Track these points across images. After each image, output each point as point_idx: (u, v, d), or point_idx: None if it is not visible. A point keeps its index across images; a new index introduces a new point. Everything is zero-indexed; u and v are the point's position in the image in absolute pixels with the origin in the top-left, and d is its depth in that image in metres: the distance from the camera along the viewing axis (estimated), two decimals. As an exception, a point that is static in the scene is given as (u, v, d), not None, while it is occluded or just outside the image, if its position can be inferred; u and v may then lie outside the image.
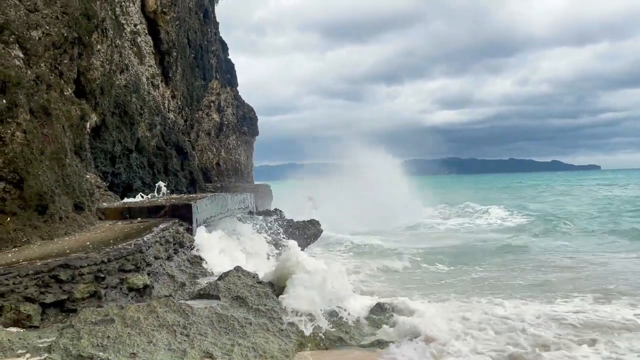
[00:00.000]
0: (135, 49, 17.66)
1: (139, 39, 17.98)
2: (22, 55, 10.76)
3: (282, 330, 8.56)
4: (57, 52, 12.13)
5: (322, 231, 20.70)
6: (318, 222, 21.48)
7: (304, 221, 21.12)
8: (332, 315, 9.48)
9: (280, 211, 22.70)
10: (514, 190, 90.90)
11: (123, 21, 16.69)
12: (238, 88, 41.98)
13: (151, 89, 18.38)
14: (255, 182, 35.48)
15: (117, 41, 15.64)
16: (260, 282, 9.83)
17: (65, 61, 12.47)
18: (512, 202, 52.24)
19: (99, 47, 14.22)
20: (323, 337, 8.85)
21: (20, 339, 7.49)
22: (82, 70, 13.35)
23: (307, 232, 19.64)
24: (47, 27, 11.70)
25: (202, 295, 9.31)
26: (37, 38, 11.40)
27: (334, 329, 9.15)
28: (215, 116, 40.01)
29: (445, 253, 19.62)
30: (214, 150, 40.73)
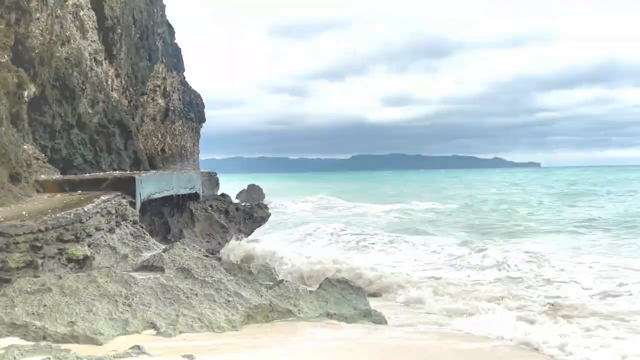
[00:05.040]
0: (77, 22, 16.93)
1: (81, 13, 17.23)
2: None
3: (229, 301, 8.34)
4: (-8, 16, 11.49)
5: (269, 214, 20.42)
6: (266, 205, 21.21)
7: (251, 205, 20.82)
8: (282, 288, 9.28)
9: (227, 195, 22.41)
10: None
11: (65, -8, 15.93)
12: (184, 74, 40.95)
13: (94, 64, 17.69)
14: (202, 170, 34.94)
15: (58, 11, 14.94)
16: (207, 255, 9.56)
17: (2, 26, 11.82)
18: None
19: (38, 15, 13.53)
20: (272, 309, 8.66)
21: (-53, 306, 7.07)
22: (20, 37, 12.67)
23: (254, 215, 19.34)
24: (-18, -12, 11.06)
25: (145, 267, 8.98)
26: (-30, -1, 10.76)
27: (282, 302, 8.97)
28: (161, 101, 38.86)
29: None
30: (159, 136, 39.57)
